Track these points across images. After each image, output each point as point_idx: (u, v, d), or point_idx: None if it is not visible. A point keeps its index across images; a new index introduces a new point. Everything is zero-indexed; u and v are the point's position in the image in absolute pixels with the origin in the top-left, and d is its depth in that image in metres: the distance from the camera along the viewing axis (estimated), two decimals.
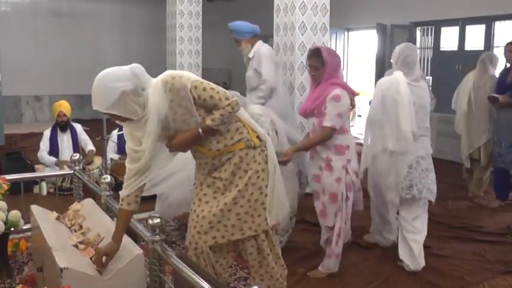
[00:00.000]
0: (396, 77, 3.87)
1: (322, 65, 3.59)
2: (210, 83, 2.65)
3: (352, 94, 3.68)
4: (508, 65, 5.60)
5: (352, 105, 3.69)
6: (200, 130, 2.60)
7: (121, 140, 6.50)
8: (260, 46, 5.32)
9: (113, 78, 2.50)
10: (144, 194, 2.80)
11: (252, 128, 2.79)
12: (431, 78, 9.44)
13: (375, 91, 4.07)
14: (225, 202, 2.69)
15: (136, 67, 2.61)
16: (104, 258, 2.61)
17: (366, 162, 4.07)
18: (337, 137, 3.61)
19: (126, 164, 2.72)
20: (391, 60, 4.08)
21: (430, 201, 3.97)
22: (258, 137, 2.78)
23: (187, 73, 2.64)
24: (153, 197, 5.72)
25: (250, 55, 5.30)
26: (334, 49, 5.21)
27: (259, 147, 2.76)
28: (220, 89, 2.64)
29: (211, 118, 2.60)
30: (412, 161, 3.84)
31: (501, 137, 5.40)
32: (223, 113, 2.59)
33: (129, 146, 2.69)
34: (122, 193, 2.70)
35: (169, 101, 2.53)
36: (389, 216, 4.16)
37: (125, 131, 2.77)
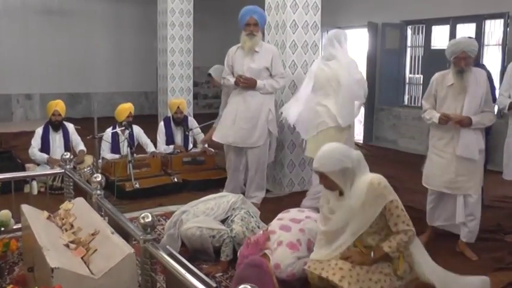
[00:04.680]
0: None
1: None
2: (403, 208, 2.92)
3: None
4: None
5: None
6: (372, 254, 2.89)
7: (115, 139, 6.49)
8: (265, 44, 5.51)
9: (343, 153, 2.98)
10: None
11: None
12: (422, 76, 9.48)
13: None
14: None
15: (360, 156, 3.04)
16: None
17: None
18: None
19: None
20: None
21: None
22: None
23: (390, 188, 2.93)
24: (145, 196, 5.73)
25: (258, 49, 5.29)
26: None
27: None
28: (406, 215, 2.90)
29: (388, 245, 2.85)
30: None
31: None
32: (399, 242, 2.85)
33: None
34: None
35: (363, 199, 2.86)
36: None
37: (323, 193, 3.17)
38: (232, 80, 5.36)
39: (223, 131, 5.45)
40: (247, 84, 5.24)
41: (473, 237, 4.31)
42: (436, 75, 4.31)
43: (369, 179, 2.91)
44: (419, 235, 4.61)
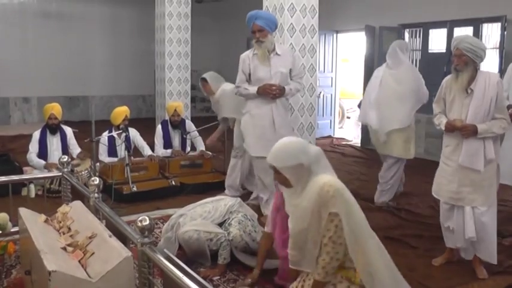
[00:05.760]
0: None
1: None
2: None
3: None
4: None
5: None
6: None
7: (111, 143, 6.48)
8: (281, 46, 5.37)
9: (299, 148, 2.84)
10: None
11: None
12: None
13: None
14: None
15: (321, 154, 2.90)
16: None
17: None
18: None
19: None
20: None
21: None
22: None
23: (339, 199, 2.72)
24: (143, 199, 5.73)
25: (279, 51, 5.10)
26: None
27: None
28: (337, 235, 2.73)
29: (317, 273, 2.75)
30: None
31: None
32: (324, 266, 2.74)
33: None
34: None
35: (313, 202, 2.73)
36: None
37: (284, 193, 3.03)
38: (252, 89, 5.02)
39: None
40: (279, 94, 4.99)
41: (493, 257, 3.93)
42: (446, 78, 4.04)
43: (321, 182, 2.74)
44: (418, 238, 4.63)
